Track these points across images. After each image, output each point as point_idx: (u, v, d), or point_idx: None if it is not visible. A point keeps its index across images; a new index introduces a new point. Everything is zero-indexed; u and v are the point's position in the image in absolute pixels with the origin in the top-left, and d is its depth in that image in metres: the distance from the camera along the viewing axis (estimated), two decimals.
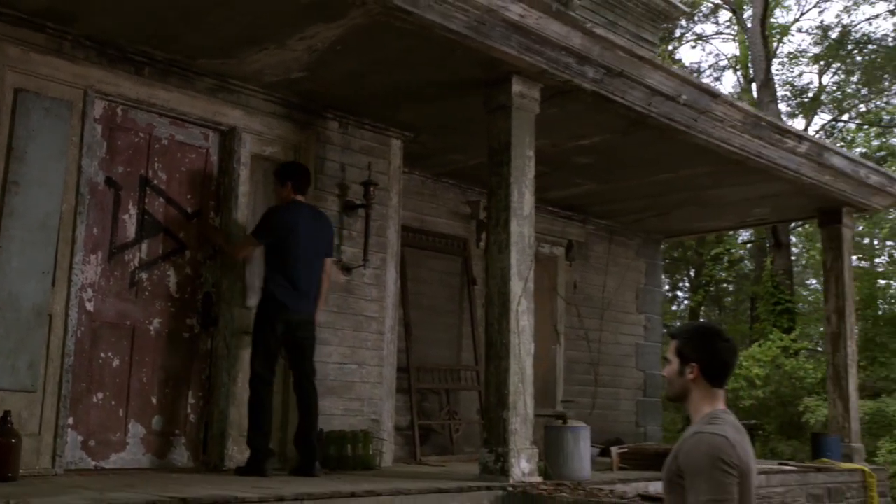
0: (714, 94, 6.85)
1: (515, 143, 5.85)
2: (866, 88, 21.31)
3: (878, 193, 9.04)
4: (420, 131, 7.19)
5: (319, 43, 5.48)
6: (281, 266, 5.70)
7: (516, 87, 5.82)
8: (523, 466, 5.51)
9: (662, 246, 11.88)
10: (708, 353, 2.88)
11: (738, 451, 2.69)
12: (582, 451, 6.02)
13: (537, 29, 5.47)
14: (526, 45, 5.53)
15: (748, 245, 22.21)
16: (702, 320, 21.09)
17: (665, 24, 11.99)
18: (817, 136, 23.82)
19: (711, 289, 24.54)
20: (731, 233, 20.50)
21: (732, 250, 21.60)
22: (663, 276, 25.12)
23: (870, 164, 9.15)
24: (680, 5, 11.93)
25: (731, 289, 26.25)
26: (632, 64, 6.10)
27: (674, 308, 25.43)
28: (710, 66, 26.10)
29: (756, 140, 7.42)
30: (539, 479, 5.61)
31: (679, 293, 26.20)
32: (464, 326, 8.78)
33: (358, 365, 6.75)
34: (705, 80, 22.57)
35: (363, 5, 4.89)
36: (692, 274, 23.28)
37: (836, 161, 8.30)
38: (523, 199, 5.86)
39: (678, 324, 23.32)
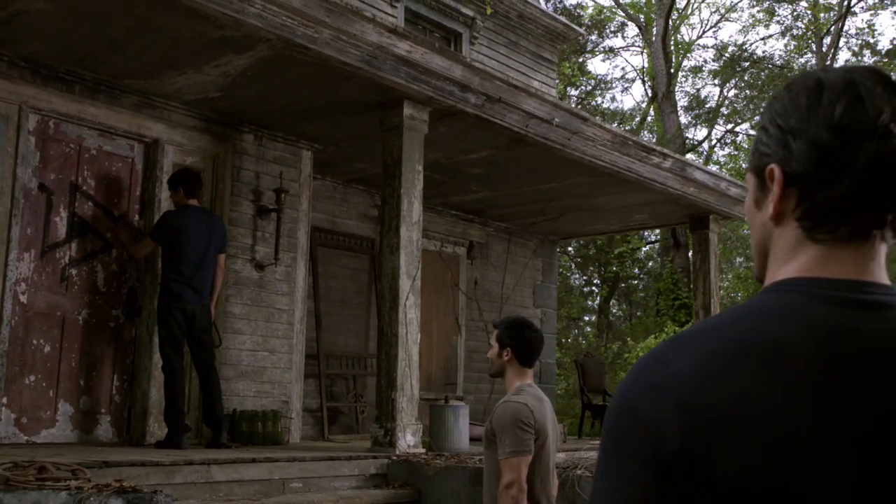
0: (583, 118, 7.68)
1: (406, 159, 6.56)
2: (753, 103, 22.68)
3: (739, 203, 10.02)
4: (328, 143, 7.84)
5: (232, 69, 6.11)
6: (175, 263, 6.22)
7: (407, 110, 6.53)
8: (409, 440, 6.24)
9: (571, 246, 12.74)
10: (520, 341, 3.65)
11: (536, 414, 3.46)
12: (461, 427, 6.77)
13: (423, 62, 6.19)
14: (414, 75, 6.24)
15: (647, 245, 23.37)
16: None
17: (564, 45, 12.83)
18: (715, 144, 25.20)
19: (622, 285, 25.72)
20: (638, 233, 21.65)
21: (637, 249, 22.72)
22: (578, 272, 26.42)
23: (728, 177, 10.13)
24: (576, 28, 12.80)
25: (640, 285, 27.56)
26: (508, 92, 6.86)
27: (588, 303, 26.62)
28: (620, 78, 27.24)
29: (625, 157, 8.28)
30: (423, 451, 6.34)
31: (594, 288, 27.38)
32: (371, 318, 9.45)
33: (269, 352, 7.39)
34: (614, 92, 23.67)
35: (268, 41, 5.54)
36: (602, 271, 24.40)
37: (698, 175, 9.24)
38: (412, 207, 6.57)
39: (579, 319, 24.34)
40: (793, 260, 0.98)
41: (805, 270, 0.97)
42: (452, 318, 10.68)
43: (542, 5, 12.59)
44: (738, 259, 23.90)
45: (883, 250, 1.00)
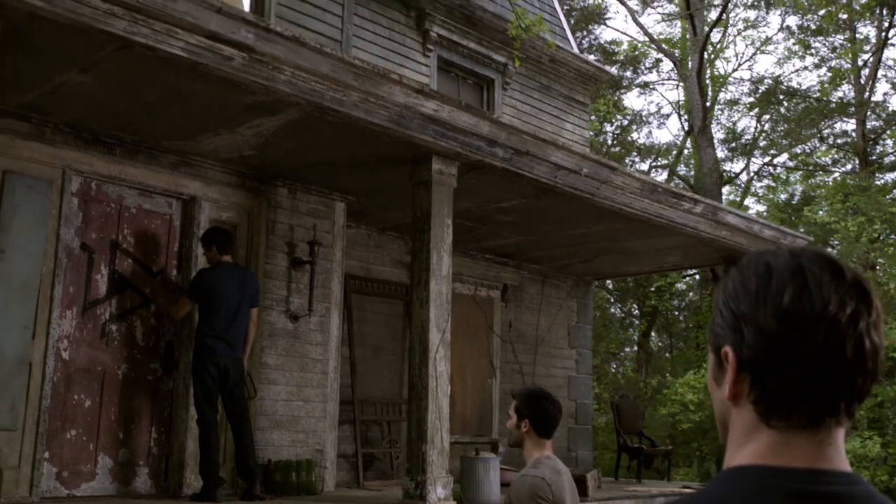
0: (612, 168, 7.66)
1: (435, 213, 6.59)
2: (789, 138, 22.40)
3: (773, 245, 9.88)
4: (360, 194, 7.93)
5: (264, 130, 6.23)
6: (209, 319, 6.32)
7: (435, 165, 6.58)
8: (439, 493, 6.21)
9: (595, 285, 12.66)
10: (537, 412, 3.63)
11: (554, 488, 3.43)
12: (492, 479, 6.73)
13: (450, 120, 6.24)
14: (441, 132, 6.30)
15: (685, 278, 23.11)
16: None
17: (596, 87, 12.83)
18: (753, 177, 24.89)
19: (661, 318, 25.42)
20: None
21: (675, 283, 22.47)
22: (618, 304, 26.17)
23: (762, 220, 10.00)
24: (608, 69, 12.81)
25: (680, 316, 27.22)
26: (536, 145, 6.89)
27: (629, 331, 26.37)
28: (655, 112, 27.14)
29: (655, 203, 8.23)
30: (454, 503, 6.31)
31: (634, 319, 27.10)
32: (405, 364, 9.47)
33: (304, 402, 7.44)
34: (650, 127, 23.58)
35: (298, 105, 5.64)
36: (640, 304, 24.14)
37: (731, 219, 9.14)
38: (441, 261, 6.60)
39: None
40: (748, 444, 0.98)
41: (759, 457, 0.97)
42: (487, 361, 10.66)
43: (574, 49, 12.63)
44: None
45: (841, 434, 0.99)
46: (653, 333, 26.41)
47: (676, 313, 26.77)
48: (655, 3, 24.14)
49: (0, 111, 5.82)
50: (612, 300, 24.56)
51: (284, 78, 5.35)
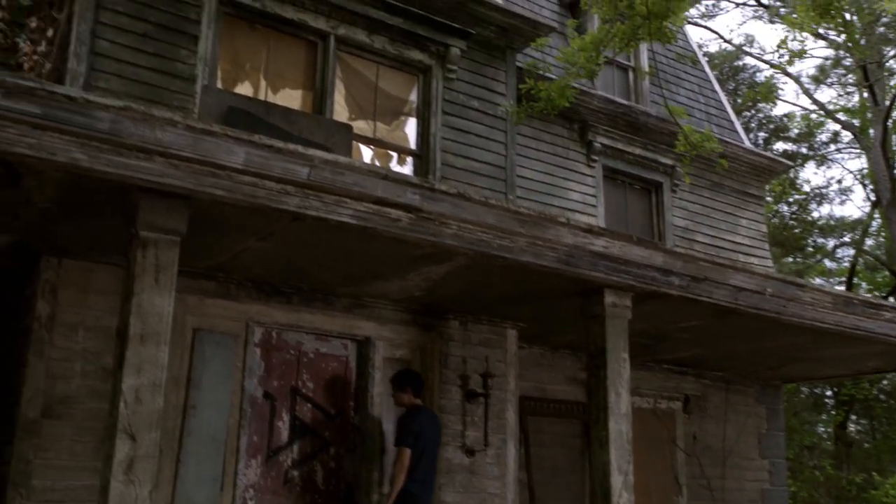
0: (800, 285, 7.06)
1: (610, 349, 6.27)
2: None
3: None
4: (531, 321, 7.73)
5: (433, 275, 6.19)
6: (417, 465, 6.28)
7: (608, 298, 6.27)
8: None
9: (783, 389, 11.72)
10: None
11: None
12: None
13: (621, 255, 5.96)
14: (613, 267, 6.02)
15: None
16: None
17: (771, 178, 12.15)
18: None
19: (859, 404, 23.31)
20: None
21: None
22: (809, 389, 24.20)
23: None
24: (783, 160, 12.09)
25: (881, 396, 24.86)
26: (714, 270, 6.45)
27: (823, 417, 24.32)
28: (836, 183, 25.46)
29: (851, 315, 7.49)
30: None
31: (827, 401, 25.03)
32: (584, 485, 9.02)
33: None
34: (831, 204, 22.07)
35: (465, 254, 5.56)
36: (834, 391, 22.25)
37: None
38: (620, 399, 6.22)
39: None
40: None
41: None
42: (671, 478, 9.98)
43: (744, 141, 12.05)
44: None
45: None
46: (852, 416, 24.22)
47: (877, 393, 24.47)
48: (829, 80, 22.87)
49: (190, 273, 6.11)
50: (801, 388, 22.78)
51: (451, 232, 5.29)
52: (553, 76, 8.61)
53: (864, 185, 23.79)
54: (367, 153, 7.78)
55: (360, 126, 7.72)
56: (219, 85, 6.96)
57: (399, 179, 4.97)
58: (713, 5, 20.85)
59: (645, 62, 11.00)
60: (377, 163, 7.83)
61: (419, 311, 7.25)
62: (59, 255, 5.67)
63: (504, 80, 8.52)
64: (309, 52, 7.55)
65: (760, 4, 20.24)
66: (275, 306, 6.53)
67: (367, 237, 5.21)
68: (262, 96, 7.24)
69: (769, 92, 20.55)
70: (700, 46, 14.56)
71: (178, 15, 6.83)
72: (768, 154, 12.19)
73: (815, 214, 23.14)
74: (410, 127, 8.08)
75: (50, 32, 6.29)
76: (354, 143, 7.40)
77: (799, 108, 22.42)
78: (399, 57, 8.02)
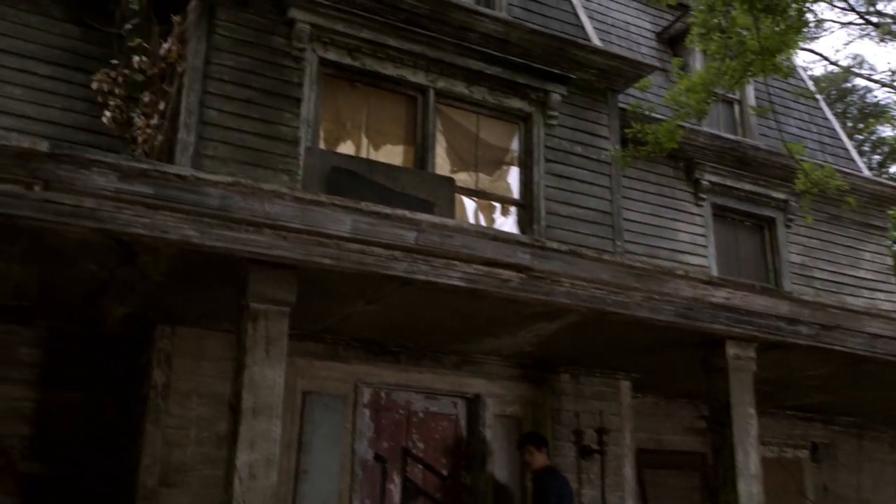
0: None
1: (735, 403, 5.86)
2: None
3: None
4: (646, 372, 7.37)
5: (544, 332, 5.96)
6: None
7: (730, 350, 5.88)
8: None
9: None
10: None
11: None
12: None
13: (744, 306, 5.60)
14: (735, 318, 5.65)
15: None
16: None
17: (894, 207, 11.41)
18: None
19: None
20: None
21: None
22: None
23: None
24: None
25: None
26: (846, 317, 5.99)
27: None
28: None
29: None
30: None
31: None
32: None
33: None
34: None
35: (578, 312, 5.32)
36: None
37: None
38: (748, 458, 5.80)
39: None
40: None
41: None
42: None
43: (863, 170, 11.39)
44: None
45: None
46: None
47: None
48: None
49: (298, 336, 6.05)
50: None
51: (563, 290, 5.06)
52: (658, 115, 8.31)
53: None
54: (470, 205, 7.65)
55: (463, 178, 7.61)
56: (321, 145, 6.98)
57: (509, 239, 4.79)
58: (815, 25, 19.99)
59: (751, 95, 10.55)
60: (481, 215, 7.68)
61: (528, 365, 7.02)
62: (173, 324, 5.72)
63: (606, 122, 8.28)
64: (408, 106, 7.51)
65: (868, 22, 19.34)
66: (383, 366, 6.42)
67: (477, 298, 5.05)
68: (363, 154, 7.22)
69: (884, 115, 19.55)
70: (804, 69, 13.92)
71: (281, 79, 6.91)
72: (891, 182, 11.47)
73: None
74: (513, 176, 7.92)
75: (161, 105, 6.44)
76: (457, 195, 7.28)
77: None
78: (499, 106, 7.89)
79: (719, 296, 5.50)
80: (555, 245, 4.98)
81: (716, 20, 6.35)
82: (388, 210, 4.42)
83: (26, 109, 6.71)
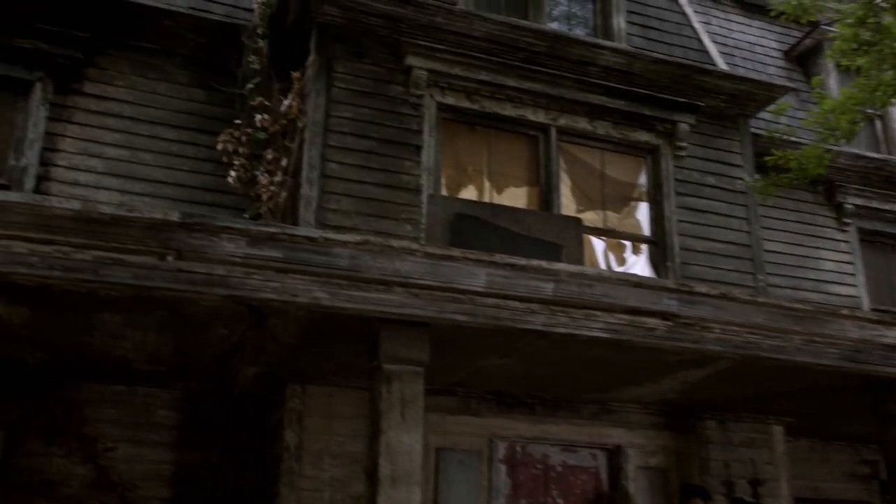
0: None
1: None
2: None
3: None
4: (801, 415, 6.77)
5: (690, 378, 5.53)
6: None
7: None
8: None
9: None
10: None
11: None
12: None
13: None
14: None
15: None
16: None
17: None
18: None
19: None
20: None
21: None
22: None
23: None
24: None
25: None
26: None
27: None
28: None
29: None
30: None
31: None
32: None
33: None
34: None
35: (730, 358, 4.88)
36: None
37: None
38: None
39: None
40: None
41: None
42: None
43: None
44: None
45: None
46: None
47: None
48: None
49: (429, 390, 5.76)
50: None
51: (714, 336, 4.65)
52: (796, 139, 7.75)
53: None
54: (598, 245, 7.30)
55: (590, 217, 7.27)
56: (443, 192, 6.81)
57: (654, 285, 4.45)
58: None
59: (894, 110, 9.78)
60: (610, 255, 7.31)
61: (671, 412, 6.56)
62: (303, 382, 5.61)
63: (739, 150, 7.78)
64: (530, 146, 7.26)
65: None
66: (517, 418, 6.12)
67: (620, 348, 4.70)
68: (486, 198, 7.00)
69: None
70: None
71: (400, 127, 6.80)
72: None
73: None
74: (642, 213, 7.51)
75: (284, 162, 6.44)
76: (585, 236, 6.94)
77: None
78: (624, 140, 7.54)
79: (892, 336, 4.95)
80: (704, 289, 4.59)
81: (868, 33, 5.82)
82: (523, 261, 4.16)
83: (156, 174, 6.84)
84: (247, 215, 6.35)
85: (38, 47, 6.82)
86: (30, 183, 6.55)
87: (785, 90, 7.89)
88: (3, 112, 6.81)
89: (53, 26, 6.83)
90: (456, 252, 4.07)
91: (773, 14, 7.37)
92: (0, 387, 5.49)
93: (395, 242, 3.98)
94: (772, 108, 7.48)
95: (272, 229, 3.73)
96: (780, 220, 8.77)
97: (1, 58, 6.75)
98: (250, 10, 7.45)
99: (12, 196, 3.67)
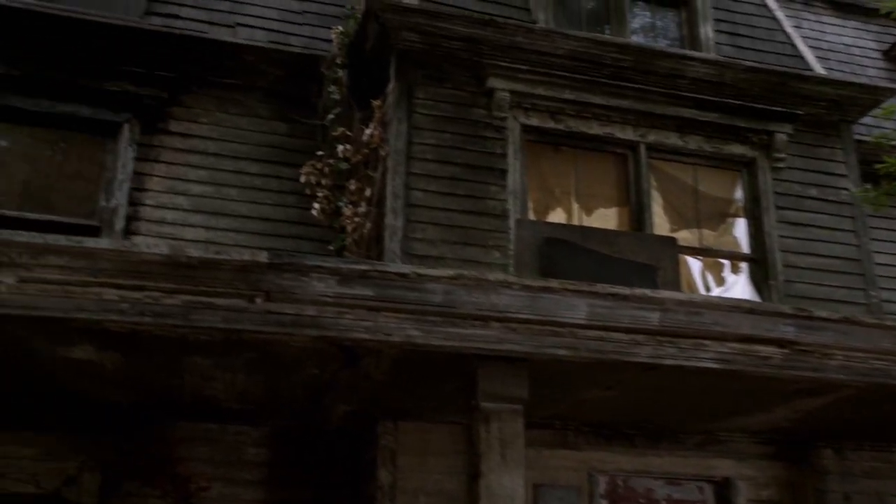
0: None
1: None
2: None
3: None
4: None
5: (806, 407, 5.14)
6: None
7: None
8: None
9: None
10: None
11: None
12: None
13: None
14: None
15: None
16: None
17: None
18: None
19: None
20: None
21: None
22: None
23: None
24: None
25: None
26: None
27: None
28: None
29: None
30: None
31: None
32: None
33: None
34: None
35: (854, 387, 4.50)
36: None
37: None
38: None
39: None
40: None
41: None
42: None
43: None
44: None
45: None
46: None
47: None
48: None
49: (526, 424, 5.59)
50: None
51: (835, 364, 4.30)
52: None
53: None
54: (695, 265, 6.95)
55: (684, 236, 6.93)
56: (531, 216, 6.59)
57: (768, 311, 4.14)
58: None
59: None
60: (708, 275, 6.95)
61: (781, 441, 6.13)
62: (395, 419, 5.44)
63: (842, 158, 7.33)
64: (618, 165, 6.99)
65: None
66: (617, 451, 5.80)
67: (732, 379, 4.38)
68: (575, 220, 6.75)
69: None
70: None
71: (484, 151, 6.62)
72: None
73: None
74: (740, 229, 7.13)
75: (367, 192, 6.34)
76: (681, 255, 6.61)
77: None
78: (717, 154, 7.18)
79: None
80: (824, 314, 4.24)
81: None
82: (626, 290, 3.90)
83: (241, 209, 6.83)
84: (332, 248, 6.26)
85: (124, 89, 6.92)
86: (120, 223, 6.61)
87: (891, 92, 7.41)
88: (93, 154, 6.93)
89: (139, 68, 6.93)
90: (554, 283, 3.84)
91: (882, 12, 6.94)
92: (94, 427, 5.49)
93: (490, 276, 3.78)
94: (877, 112, 7.03)
95: (363, 266, 3.58)
96: (889, 230, 8.23)
97: (90, 101, 6.88)
98: (328, 41, 7.42)
99: (102, 243, 3.62)
